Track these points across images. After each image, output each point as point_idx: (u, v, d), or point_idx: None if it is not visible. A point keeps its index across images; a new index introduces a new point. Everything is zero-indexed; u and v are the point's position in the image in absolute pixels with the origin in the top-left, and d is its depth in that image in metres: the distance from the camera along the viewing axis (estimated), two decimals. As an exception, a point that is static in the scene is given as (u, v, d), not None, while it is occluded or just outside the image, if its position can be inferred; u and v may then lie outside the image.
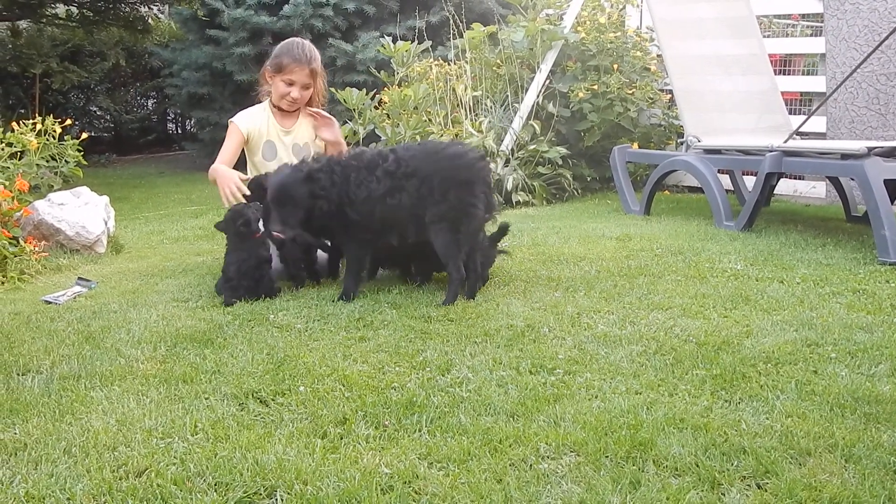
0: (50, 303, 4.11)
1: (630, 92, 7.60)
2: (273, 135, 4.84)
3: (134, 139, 14.75)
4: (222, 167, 4.59)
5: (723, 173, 6.45)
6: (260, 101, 4.96)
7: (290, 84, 4.74)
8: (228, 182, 4.44)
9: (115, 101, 14.13)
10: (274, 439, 2.49)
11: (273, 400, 2.80)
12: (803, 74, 8.49)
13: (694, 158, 6.07)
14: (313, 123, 4.93)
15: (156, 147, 14.98)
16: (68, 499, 2.17)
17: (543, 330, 3.47)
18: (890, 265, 4.46)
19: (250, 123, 4.84)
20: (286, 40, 4.91)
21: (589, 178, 7.89)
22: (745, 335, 3.35)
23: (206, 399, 2.81)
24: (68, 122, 6.05)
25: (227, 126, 4.87)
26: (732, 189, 6.79)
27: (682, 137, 6.66)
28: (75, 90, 13.26)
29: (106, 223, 5.44)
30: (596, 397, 2.76)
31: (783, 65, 8.51)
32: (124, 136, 14.63)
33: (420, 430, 2.52)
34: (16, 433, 2.57)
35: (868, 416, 2.58)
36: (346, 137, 6.90)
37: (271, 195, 4.09)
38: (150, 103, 15.68)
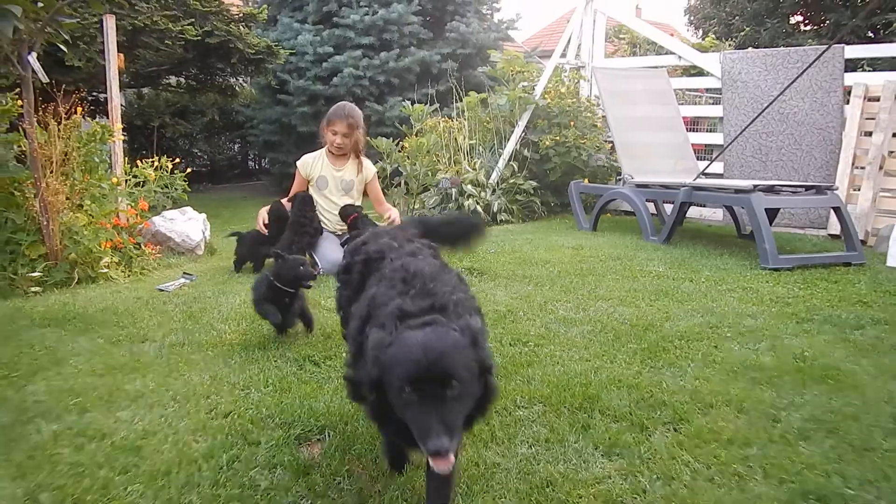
0: (162, 290, 4.09)
1: (583, 141, 7.55)
2: (326, 171, 4.88)
3: (224, 172, 14.69)
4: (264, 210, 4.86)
5: (649, 202, 6.42)
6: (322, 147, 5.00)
7: (335, 133, 4.78)
8: (261, 212, 4.83)
9: (210, 146, 14.09)
10: (324, 391, 2.47)
11: (324, 363, 2.78)
12: (707, 132, 8.48)
13: (628, 191, 6.04)
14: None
15: (240, 178, 14.92)
16: (174, 433, 2.15)
17: (520, 314, 3.45)
18: (769, 270, 4.43)
19: (305, 164, 4.95)
20: (336, 104, 4.93)
21: (552, 204, 7.83)
22: (665, 319, 3.33)
23: (274, 362, 2.80)
24: (177, 160, 6.03)
25: (293, 163, 4.96)
26: (656, 213, 6.76)
27: (620, 175, 6.63)
28: (182, 138, 13.19)
29: (204, 233, 5.42)
30: (557, 363, 2.75)
31: (693, 124, 8.51)
32: (217, 170, 14.57)
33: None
34: (137, 385, 2.55)
35: (754, 380, 2.57)
36: (377, 173, 6.91)
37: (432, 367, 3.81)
38: (236, 147, 15.63)
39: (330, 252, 4.59)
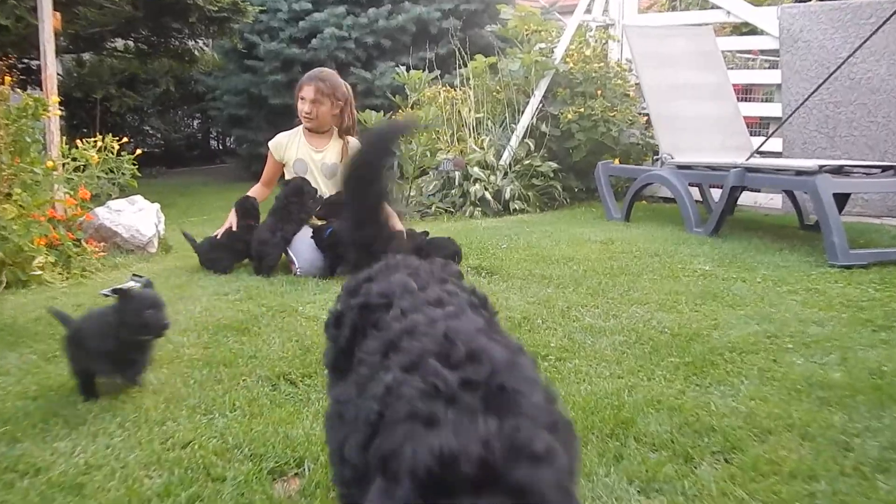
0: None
1: (612, 114, 7.56)
2: (304, 153, 4.87)
3: (181, 154, 14.75)
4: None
5: (693, 186, 6.41)
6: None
7: (301, 99, 4.81)
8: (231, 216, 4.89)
9: (165, 122, 14.15)
10: (302, 416, 2.47)
11: (301, 381, 2.78)
12: (762, 101, 8.48)
13: (668, 173, 6.04)
14: None
15: (200, 161, 14.97)
16: (122, 467, 2.15)
17: (538, 321, 3.45)
18: (838, 268, 4.42)
19: (279, 146, 4.97)
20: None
21: (576, 189, 7.86)
22: (713, 327, 3.33)
23: (242, 380, 2.79)
24: (125, 139, 6.03)
25: (264, 143, 4.98)
26: (701, 200, 6.76)
27: (658, 154, 6.63)
28: (131, 112, 13.24)
29: (157, 227, 5.42)
30: (584, 381, 2.74)
31: (745, 93, 8.50)
32: (173, 151, 14.62)
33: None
34: (77, 410, 2.55)
35: (821, 400, 2.55)
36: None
37: None
38: (195, 123, 15.68)
39: (308, 249, 4.58)
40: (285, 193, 4.68)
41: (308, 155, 4.88)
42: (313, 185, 4.82)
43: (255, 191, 5.00)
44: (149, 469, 2.14)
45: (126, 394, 2.68)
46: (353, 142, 4.96)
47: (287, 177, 4.92)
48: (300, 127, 4.94)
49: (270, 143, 4.98)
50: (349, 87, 5.01)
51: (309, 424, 2.39)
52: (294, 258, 4.58)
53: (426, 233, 4.71)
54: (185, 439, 2.31)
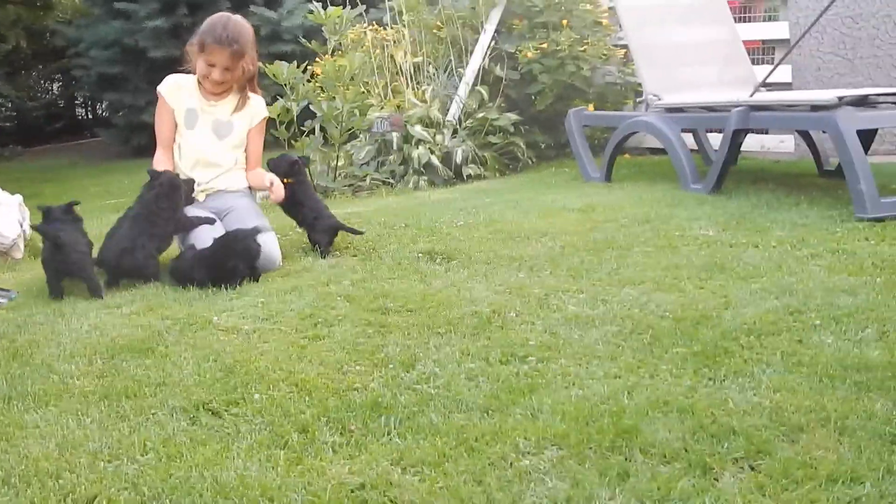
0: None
1: (582, 49, 7.63)
2: (195, 103, 4.87)
3: (40, 127, 14.52)
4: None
5: (686, 132, 6.51)
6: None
7: (211, 66, 4.75)
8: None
9: (15, 87, 13.87)
10: (232, 454, 2.48)
11: (226, 411, 2.79)
12: (765, 20, 8.61)
13: (655, 118, 6.13)
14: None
15: (65, 135, 14.76)
16: (12, 536, 2.16)
17: (510, 315, 3.50)
18: (868, 221, 4.55)
19: (172, 89, 4.91)
20: (212, 16, 4.85)
21: (543, 145, 7.94)
22: (723, 307, 3.41)
23: (152, 415, 2.79)
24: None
25: (146, 107, 4.92)
26: (697, 149, 6.87)
27: (641, 96, 6.73)
28: (-31, 76, 12.99)
29: (21, 225, 5.35)
30: (573, 384, 2.80)
31: (743, 11, 8.62)
32: (29, 124, 14.39)
33: (389, 434, 2.54)
34: (-54, 465, 2.54)
35: (859, 385, 2.65)
36: (278, 115, 6.90)
37: None
38: (55, 87, 15.42)
39: (204, 234, 4.55)
40: (155, 195, 4.56)
41: (200, 107, 4.85)
42: (201, 141, 4.86)
43: (159, 161, 4.87)
44: (47, 535, 2.15)
45: (6, 441, 2.67)
46: (256, 99, 4.96)
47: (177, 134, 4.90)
48: (194, 76, 4.90)
49: (162, 87, 4.90)
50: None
51: (242, 464, 2.41)
52: (194, 244, 4.54)
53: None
54: (89, 494, 2.31)
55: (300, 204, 4.87)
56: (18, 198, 5.53)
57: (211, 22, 4.81)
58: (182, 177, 4.68)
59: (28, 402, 2.96)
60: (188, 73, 4.94)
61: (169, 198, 4.51)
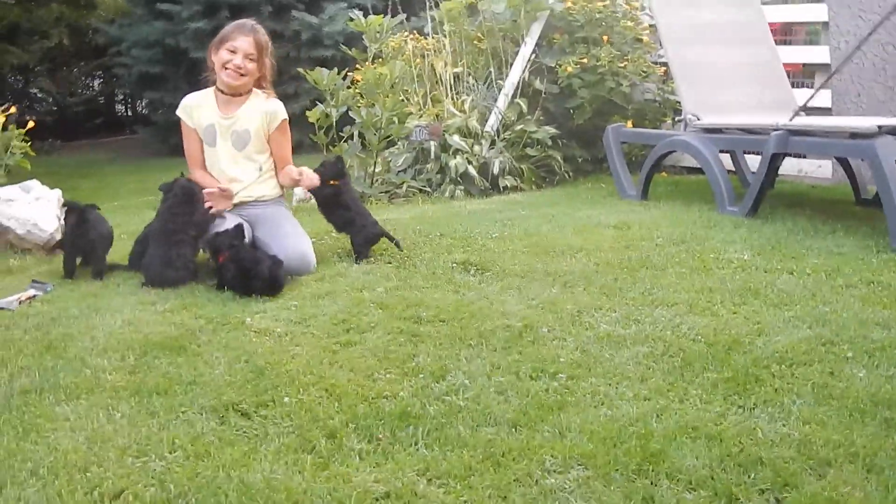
0: (2, 308, 4.09)
1: (622, 65, 7.61)
2: (213, 119, 4.87)
3: (80, 123, 14.65)
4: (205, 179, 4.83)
5: (724, 153, 6.47)
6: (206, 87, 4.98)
7: (233, 51, 4.74)
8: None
9: (57, 83, 14.03)
10: (259, 456, 2.51)
11: (255, 412, 2.82)
12: (805, 43, 8.56)
13: (693, 138, 6.11)
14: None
15: (104, 131, 14.89)
16: (40, 526, 2.18)
17: (542, 330, 3.51)
18: (906, 253, 4.51)
19: (189, 109, 4.92)
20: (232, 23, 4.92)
21: (580, 160, 7.91)
22: (756, 333, 3.40)
23: (182, 413, 2.83)
24: (13, 109, 6.01)
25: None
26: (734, 170, 6.84)
27: (680, 115, 6.71)
28: (14, 72, 13.13)
29: (59, 220, 5.41)
30: (602, 404, 2.81)
31: (784, 34, 8.58)
32: (69, 120, 14.53)
33: (416, 444, 2.56)
34: (-25, 454, 2.57)
35: (889, 422, 2.63)
36: (317, 120, 6.95)
37: None
38: (96, 84, 15.57)
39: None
40: (170, 207, 4.59)
41: (217, 121, 4.86)
42: (221, 157, 4.87)
43: (202, 179, 4.88)
44: (74, 528, 2.18)
45: (37, 433, 2.71)
46: (273, 102, 4.94)
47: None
48: (211, 89, 4.92)
49: (180, 111, 4.94)
50: None
51: (269, 467, 2.43)
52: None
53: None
54: (116, 489, 2.34)
55: (345, 207, 4.87)
56: (58, 193, 5.59)
57: (231, 23, 4.92)
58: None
59: (59, 394, 3.01)
60: (205, 86, 4.98)
61: (187, 203, 4.57)
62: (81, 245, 4.62)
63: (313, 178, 4.79)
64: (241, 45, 4.74)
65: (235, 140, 4.86)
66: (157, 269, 4.37)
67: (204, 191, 4.64)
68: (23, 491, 2.35)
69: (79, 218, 4.59)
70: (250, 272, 4.17)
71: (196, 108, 4.89)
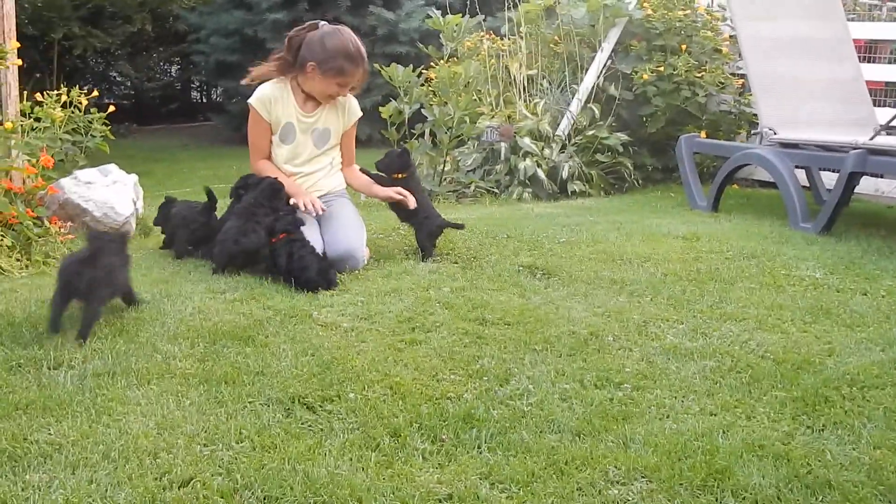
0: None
1: (699, 75, 7.55)
2: (293, 116, 4.85)
3: (155, 108, 14.88)
4: (287, 181, 4.77)
5: (799, 168, 6.40)
6: (270, 63, 4.91)
7: (341, 86, 4.73)
8: (305, 197, 4.70)
9: (136, 67, 14.23)
10: (324, 450, 2.53)
11: (321, 406, 2.85)
12: (890, 62, 8.42)
13: (769, 152, 6.04)
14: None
15: (179, 117, 15.09)
16: (110, 508, 2.22)
17: (608, 339, 3.50)
18: (984, 279, 4.43)
19: (265, 101, 4.84)
20: (332, 33, 4.71)
21: (651, 168, 7.88)
22: (826, 353, 3.36)
23: (249, 403, 2.86)
24: (95, 93, 6.10)
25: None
26: (808, 186, 6.75)
27: (755, 128, 6.63)
28: (95, 56, 13.37)
29: (135, 203, 5.50)
30: (667, 417, 2.79)
31: (868, 51, 8.44)
32: (145, 104, 14.76)
33: (479, 447, 2.57)
34: (50, 434, 2.62)
35: (964, 450, 2.59)
36: (390, 116, 6.98)
37: None
38: (173, 70, 15.80)
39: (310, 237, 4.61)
40: (256, 196, 4.58)
41: (297, 118, 4.85)
42: (300, 154, 4.89)
43: (266, 169, 4.87)
44: (142, 511, 2.22)
45: (109, 416, 2.76)
46: (352, 101, 4.96)
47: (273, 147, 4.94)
48: (286, 82, 4.87)
49: (254, 101, 4.84)
50: None
51: (333, 462, 2.45)
52: None
53: None
54: (185, 476, 2.38)
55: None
56: (134, 177, 5.68)
57: (338, 43, 4.69)
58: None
59: (131, 378, 3.06)
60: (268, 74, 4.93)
61: (273, 198, 4.60)
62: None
63: (413, 201, 4.81)
64: (353, 80, 4.75)
65: (317, 139, 4.88)
66: (233, 236, 4.41)
67: (294, 201, 4.65)
68: (94, 473, 2.39)
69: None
70: (298, 263, 4.23)
71: (274, 103, 4.83)
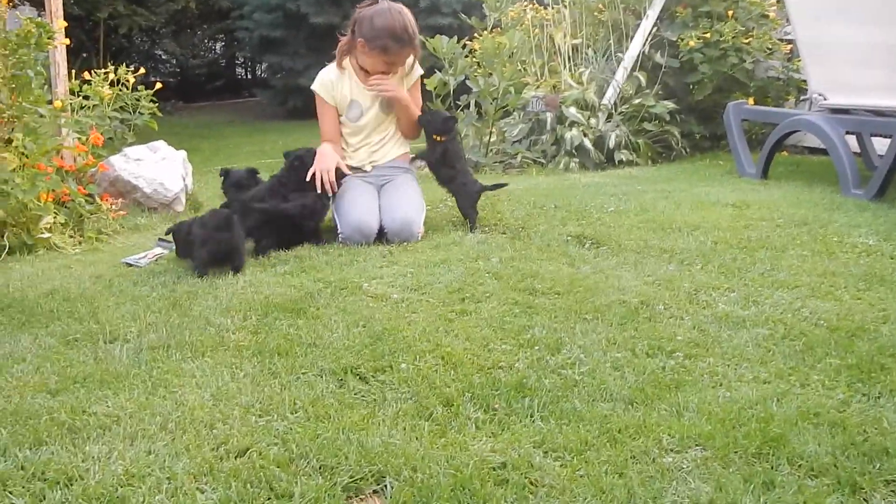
0: (131, 265, 4.23)
1: (746, 41, 7.47)
2: (357, 94, 4.91)
3: (201, 85, 14.99)
4: (327, 148, 4.78)
5: (850, 135, 6.30)
6: (342, 41, 4.94)
7: (388, 64, 4.80)
8: (326, 165, 4.65)
9: (181, 45, 14.34)
10: (377, 420, 2.55)
11: (373, 377, 2.86)
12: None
13: (819, 118, 5.96)
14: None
15: (224, 93, 15.20)
16: (169, 478, 2.25)
17: (659, 307, 3.48)
18: None
19: (327, 87, 4.94)
20: (378, 12, 4.71)
21: (698, 136, 7.81)
22: (881, 321, 3.31)
23: (303, 374, 2.89)
24: (142, 70, 6.15)
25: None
26: (859, 152, 6.65)
27: (804, 94, 6.55)
28: (140, 33, 13.46)
29: (184, 180, 5.56)
30: (720, 385, 2.77)
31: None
32: (191, 81, 14.87)
33: (532, 416, 2.57)
34: (108, 406, 2.67)
35: None
36: (434, 88, 6.98)
37: None
38: (218, 46, 15.88)
39: (357, 211, 4.66)
40: (291, 163, 4.68)
41: (362, 94, 4.91)
42: (369, 125, 4.95)
43: (328, 151, 4.86)
44: (200, 481, 2.25)
45: (165, 388, 2.80)
46: (408, 61, 4.95)
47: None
48: (346, 63, 4.94)
49: (317, 87, 4.94)
50: None
51: (387, 431, 2.47)
52: (338, 222, 4.66)
53: None
54: (241, 446, 2.41)
55: (450, 165, 4.87)
56: (182, 154, 5.75)
57: (386, 21, 4.70)
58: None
59: (186, 351, 3.11)
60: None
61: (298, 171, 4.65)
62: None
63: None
64: (399, 59, 4.80)
65: (383, 104, 4.94)
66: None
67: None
68: (153, 444, 2.43)
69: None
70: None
71: (336, 84, 4.93)
